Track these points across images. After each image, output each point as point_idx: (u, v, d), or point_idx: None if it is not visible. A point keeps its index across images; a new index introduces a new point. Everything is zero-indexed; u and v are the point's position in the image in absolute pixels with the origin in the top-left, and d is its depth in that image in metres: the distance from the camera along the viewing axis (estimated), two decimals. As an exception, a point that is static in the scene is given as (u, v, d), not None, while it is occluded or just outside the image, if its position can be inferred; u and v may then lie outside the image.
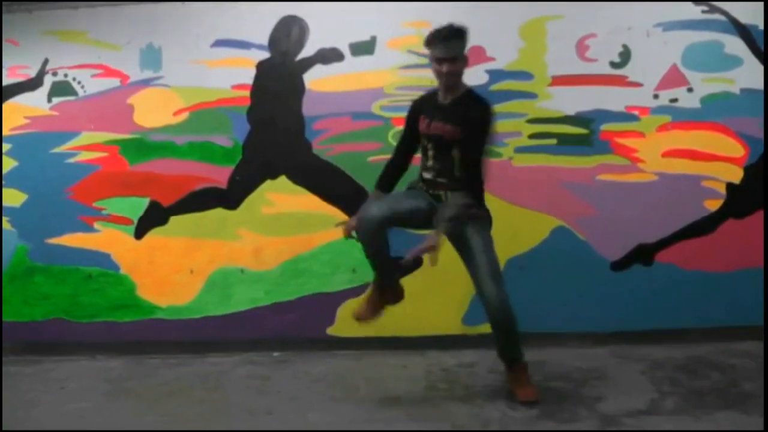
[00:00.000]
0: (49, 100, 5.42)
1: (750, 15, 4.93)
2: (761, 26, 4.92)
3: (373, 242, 3.85)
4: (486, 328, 4.77)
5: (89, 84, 5.38)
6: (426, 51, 3.88)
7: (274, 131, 5.24)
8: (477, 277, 3.85)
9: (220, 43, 5.26)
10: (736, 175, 4.97)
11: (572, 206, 5.01)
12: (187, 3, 5.28)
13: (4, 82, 5.43)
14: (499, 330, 3.89)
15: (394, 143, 4.94)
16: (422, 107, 3.98)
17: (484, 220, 3.98)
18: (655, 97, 4.99)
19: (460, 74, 3.84)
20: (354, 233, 3.96)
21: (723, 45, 4.96)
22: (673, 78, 4.98)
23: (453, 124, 3.81)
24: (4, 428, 3.84)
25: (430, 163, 3.95)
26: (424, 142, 3.96)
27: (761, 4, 4.90)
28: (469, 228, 3.89)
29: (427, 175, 3.98)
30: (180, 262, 5.33)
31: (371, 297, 4.04)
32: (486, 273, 3.82)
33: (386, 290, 4.04)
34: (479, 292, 3.86)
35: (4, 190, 5.41)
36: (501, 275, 3.89)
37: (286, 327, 5.22)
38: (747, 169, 4.96)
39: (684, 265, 4.98)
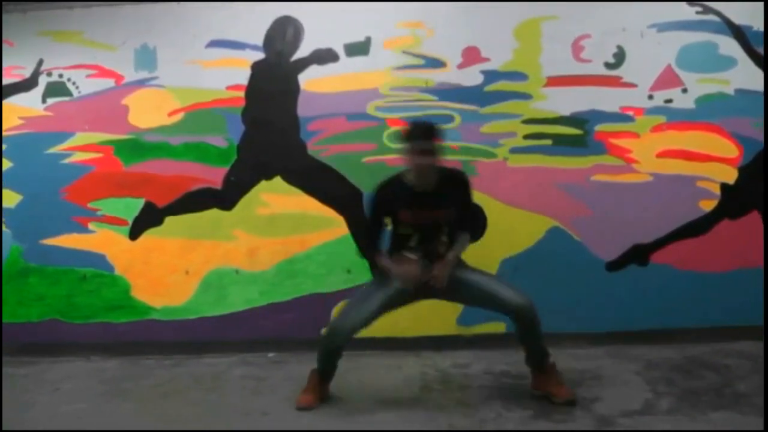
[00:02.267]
0: (44, 101, 5.41)
1: (744, 16, 4.95)
2: (755, 27, 4.95)
3: (337, 349, 4.01)
4: (480, 329, 4.80)
5: (84, 84, 5.38)
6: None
7: (269, 132, 5.24)
8: (490, 295, 3.87)
9: (214, 43, 5.26)
10: (730, 175, 4.99)
11: (567, 207, 5.02)
12: (181, 3, 5.28)
13: (-1, 83, 5.44)
14: (531, 330, 3.89)
15: (390, 144, 4.98)
16: (394, 199, 3.92)
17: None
18: (650, 97, 5.01)
19: (436, 166, 3.86)
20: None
21: (717, 46, 4.98)
22: (667, 79, 5.00)
23: (445, 208, 3.92)
24: (3, 428, 3.83)
25: (413, 244, 3.96)
26: (408, 230, 3.96)
27: (754, 5, 4.92)
28: (456, 271, 3.94)
29: (409, 254, 3.96)
30: (175, 262, 5.32)
31: (315, 386, 4.08)
32: (497, 285, 3.90)
33: (325, 384, 4.11)
34: (501, 306, 3.86)
35: (-1, 191, 5.42)
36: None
37: (282, 328, 5.22)
38: (741, 170, 4.98)
39: (679, 265, 4.99)
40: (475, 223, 3.99)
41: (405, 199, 3.89)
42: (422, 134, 3.78)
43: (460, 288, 3.95)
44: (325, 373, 4.09)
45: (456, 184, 3.95)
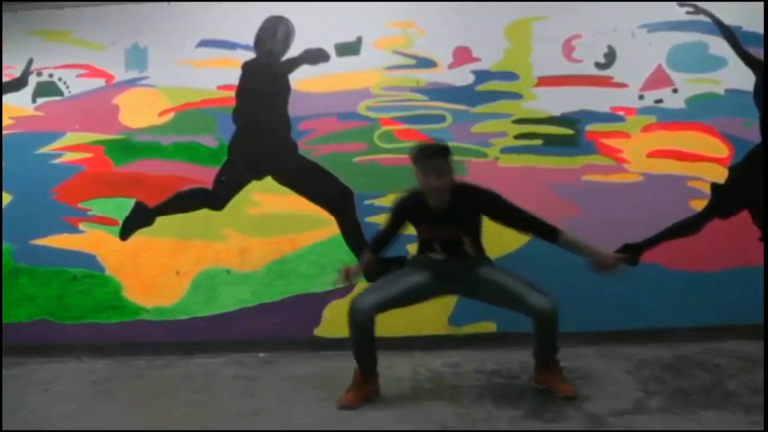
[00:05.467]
0: (34, 101, 5.40)
1: (734, 16, 4.98)
2: (745, 27, 4.97)
3: (362, 331, 3.87)
4: (471, 329, 4.79)
5: (74, 84, 5.37)
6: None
7: (259, 132, 5.24)
8: (514, 297, 3.86)
9: (205, 43, 5.26)
10: (720, 175, 5.01)
11: (558, 206, 5.02)
12: (172, 3, 5.28)
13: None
14: (550, 331, 3.88)
15: (381, 144, 4.98)
16: (413, 214, 3.99)
17: (486, 259, 4.11)
18: (641, 97, 5.03)
19: (449, 187, 3.82)
20: (354, 279, 4.05)
21: (707, 46, 5.01)
22: (658, 79, 5.01)
23: (462, 227, 3.95)
24: (3, 428, 3.82)
25: (438, 251, 4.00)
26: (429, 240, 4.01)
27: (744, 5, 4.95)
28: (478, 269, 3.98)
29: (436, 257, 4.01)
30: (166, 263, 5.31)
31: (355, 387, 4.01)
32: (523, 287, 3.87)
33: (368, 381, 4.04)
34: (526, 309, 3.83)
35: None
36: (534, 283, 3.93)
37: (273, 328, 5.21)
38: (731, 170, 5.00)
39: (669, 264, 5.01)
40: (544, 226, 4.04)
41: (424, 216, 3.92)
42: (432, 155, 3.75)
43: (482, 286, 3.97)
44: (363, 367, 4.01)
45: (470, 198, 3.91)
